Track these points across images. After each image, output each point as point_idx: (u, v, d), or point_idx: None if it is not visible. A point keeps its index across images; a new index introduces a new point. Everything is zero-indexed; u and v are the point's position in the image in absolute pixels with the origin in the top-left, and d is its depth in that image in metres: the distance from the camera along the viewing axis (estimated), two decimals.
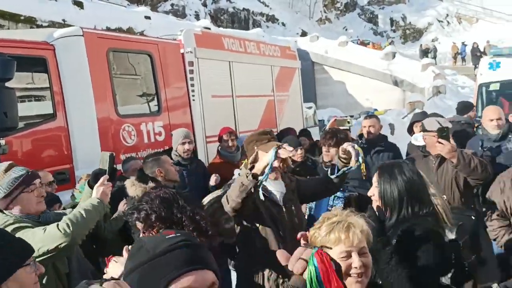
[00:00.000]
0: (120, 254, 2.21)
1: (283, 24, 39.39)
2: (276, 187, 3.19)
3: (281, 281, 3.05)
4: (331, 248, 1.85)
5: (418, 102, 19.55)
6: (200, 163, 5.76)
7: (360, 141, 5.69)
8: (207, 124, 7.41)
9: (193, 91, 7.30)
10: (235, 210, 2.87)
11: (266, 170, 2.73)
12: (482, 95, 9.22)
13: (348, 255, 1.86)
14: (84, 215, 2.81)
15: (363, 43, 31.37)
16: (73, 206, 3.53)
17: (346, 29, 42.83)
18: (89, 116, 5.79)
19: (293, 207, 3.24)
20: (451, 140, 3.70)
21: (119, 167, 5.05)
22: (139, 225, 2.34)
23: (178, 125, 6.73)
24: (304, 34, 35.56)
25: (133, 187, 3.84)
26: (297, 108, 10.75)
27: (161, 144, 6.51)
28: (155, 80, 6.79)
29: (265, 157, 2.78)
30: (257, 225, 3.12)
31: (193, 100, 7.31)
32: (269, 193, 3.15)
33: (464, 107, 7.14)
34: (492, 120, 4.83)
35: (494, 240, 3.38)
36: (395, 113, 18.44)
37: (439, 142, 3.66)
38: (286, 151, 2.76)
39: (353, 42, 28.19)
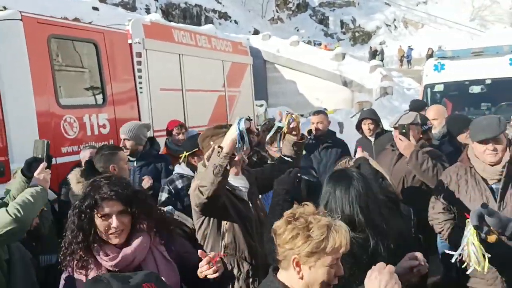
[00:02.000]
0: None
1: (236, 22, 39.27)
2: (239, 183, 3.05)
3: (251, 280, 2.93)
4: (320, 254, 1.75)
5: (366, 102, 19.99)
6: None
7: (308, 137, 5.67)
8: (155, 117, 7.18)
9: (140, 83, 7.06)
10: (211, 197, 2.64)
11: (244, 138, 2.52)
12: (427, 96, 9.46)
13: (337, 263, 1.79)
14: (32, 200, 2.68)
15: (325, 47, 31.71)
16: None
17: (298, 30, 43.30)
18: (27, 106, 5.43)
19: (258, 202, 3.13)
20: (411, 138, 3.74)
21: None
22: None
23: (124, 118, 6.48)
24: (256, 32, 35.56)
25: (78, 185, 3.60)
26: (248, 105, 10.68)
27: (105, 137, 6.23)
28: (100, 71, 6.49)
29: (229, 133, 2.59)
30: (225, 223, 2.94)
31: (141, 92, 7.07)
32: (234, 189, 3.00)
33: (417, 106, 7.09)
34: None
35: (439, 233, 3.41)
36: (344, 112, 18.75)
37: (399, 139, 3.71)
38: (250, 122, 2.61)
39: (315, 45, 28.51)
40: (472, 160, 3.21)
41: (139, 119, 6.91)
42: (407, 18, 47.16)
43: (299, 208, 1.85)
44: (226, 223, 2.93)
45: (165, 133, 6.14)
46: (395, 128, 4.05)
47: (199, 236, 3.03)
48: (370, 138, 5.71)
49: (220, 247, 2.93)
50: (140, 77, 7.05)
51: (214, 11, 37.70)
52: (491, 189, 3.11)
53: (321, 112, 5.91)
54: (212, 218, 2.95)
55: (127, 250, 2.12)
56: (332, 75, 24.04)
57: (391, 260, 2.15)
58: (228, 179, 2.90)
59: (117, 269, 2.11)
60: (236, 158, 2.81)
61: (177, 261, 2.24)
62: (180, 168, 4.16)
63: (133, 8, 29.88)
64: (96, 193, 2.12)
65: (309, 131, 5.76)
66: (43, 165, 2.92)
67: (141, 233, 2.20)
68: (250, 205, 3.03)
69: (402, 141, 3.72)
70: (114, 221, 2.10)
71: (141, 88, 7.07)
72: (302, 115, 18.13)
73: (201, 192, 2.63)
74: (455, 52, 9.76)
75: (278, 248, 1.82)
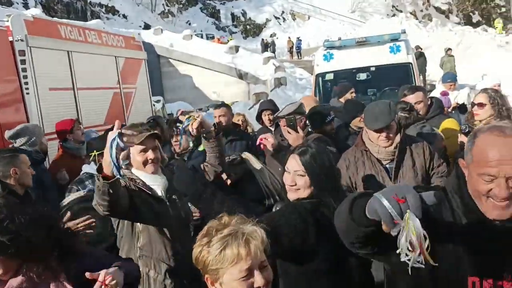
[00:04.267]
0: None
1: (125, 16, 37.92)
2: (155, 181, 2.94)
3: (169, 281, 2.84)
4: (222, 269, 1.60)
5: (262, 93, 20.49)
6: None
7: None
8: (45, 120, 6.72)
9: (26, 83, 6.55)
10: (110, 211, 2.54)
11: (112, 165, 2.32)
12: (319, 85, 9.92)
13: (250, 274, 1.62)
14: None
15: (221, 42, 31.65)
16: None
17: (190, 23, 42.96)
18: None
19: (177, 200, 3.03)
20: (299, 130, 3.82)
21: None
22: None
23: (11, 123, 5.96)
24: (147, 27, 34.67)
25: None
26: (145, 101, 10.41)
27: None
28: None
29: (106, 153, 2.38)
30: (138, 223, 2.84)
31: (27, 93, 6.57)
32: (149, 188, 2.90)
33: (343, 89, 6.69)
34: None
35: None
36: (242, 104, 19.05)
37: (288, 132, 3.78)
38: (130, 137, 2.53)
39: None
40: (367, 144, 3.44)
41: (28, 122, 6.43)
42: (294, 10, 48.92)
43: (212, 222, 1.73)
44: (140, 224, 2.85)
45: (57, 135, 5.75)
46: (281, 118, 4.12)
47: (118, 239, 2.93)
48: (270, 128, 5.84)
49: (135, 249, 2.84)
50: (25, 77, 6.55)
51: (100, 5, 36.05)
52: (386, 169, 3.37)
53: (223, 105, 5.85)
54: (125, 221, 2.86)
55: (13, 282, 1.97)
56: (227, 68, 24.27)
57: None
58: (143, 177, 2.88)
59: None
60: (151, 156, 2.80)
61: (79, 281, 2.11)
62: (89, 168, 3.97)
63: (8, 3, 27.51)
64: None
65: (215, 125, 5.73)
66: None
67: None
68: (167, 203, 2.95)
69: (291, 133, 3.81)
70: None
71: (27, 89, 6.57)
72: (200, 109, 18.11)
73: (99, 205, 2.54)
74: (342, 42, 10.35)
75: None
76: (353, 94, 6.35)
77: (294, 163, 2.46)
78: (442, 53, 19.48)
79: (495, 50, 19.99)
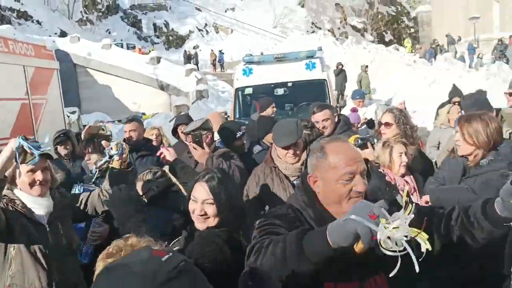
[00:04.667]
0: None
1: (39, 23, 36.07)
2: (40, 204, 2.77)
3: None
4: None
5: (183, 105, 20.35)
6: None
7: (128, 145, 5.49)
8: None
9: None
10: None
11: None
12: (239, 98, 10.06)
13: None
14: None
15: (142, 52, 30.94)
16: None
17: (110, 32, 41.81)
18: None
19: (60, 226, 2.85)
20: (205, 146, 3.83)
21: None
22: None
23: None
24: (63, 34, 33.24)
25: None
26: (57, 113, 9.94)
27: None
28: None
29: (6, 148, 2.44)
30: (12, 249, 2.64)
31: None
32: (30, 211, 2.72)
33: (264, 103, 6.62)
34: None
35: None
36: (162, 116, 18.77)
37: (193, 147, 3.78)
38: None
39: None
40: (276, 160, 3.52)
41: None
42: (217, 23, 49.30)
43: (118, 241, 1.68)
44: (13, 249, 2.64)
45: None
46: (187, 134, 4.11)
47: None
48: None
49: (6, 276, 2.63)
50: None
51: (11, 9, 34.03)
52: (293, 185, 3.46)
53: (134, 119, 5.70)
54: None
55: None
56: (148, 79, 23.85)
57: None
58: (25, 199, 2.72)
59: None
60: (39, 178, 2.66)
61: None
62: None
63: None
64: None
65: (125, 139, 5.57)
66: None
67: None
68: (47, 229, 2.77)
69: (197, 149, 3.81)
70: None
71: None
72: (119, 121, 17.59)
73: None
74: (261, 58, 10.58)
75: None
76: (274, 109, 6.48)
77: (202, 191, 2.36)
78: (358, 70, 20.37)
79: (404, 68, 21.31)
